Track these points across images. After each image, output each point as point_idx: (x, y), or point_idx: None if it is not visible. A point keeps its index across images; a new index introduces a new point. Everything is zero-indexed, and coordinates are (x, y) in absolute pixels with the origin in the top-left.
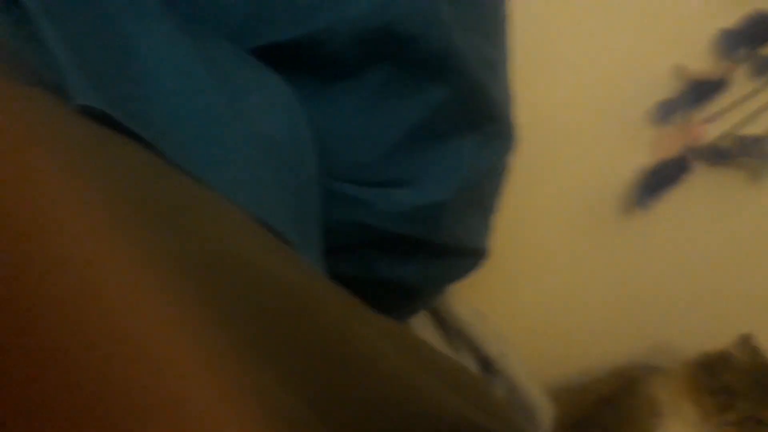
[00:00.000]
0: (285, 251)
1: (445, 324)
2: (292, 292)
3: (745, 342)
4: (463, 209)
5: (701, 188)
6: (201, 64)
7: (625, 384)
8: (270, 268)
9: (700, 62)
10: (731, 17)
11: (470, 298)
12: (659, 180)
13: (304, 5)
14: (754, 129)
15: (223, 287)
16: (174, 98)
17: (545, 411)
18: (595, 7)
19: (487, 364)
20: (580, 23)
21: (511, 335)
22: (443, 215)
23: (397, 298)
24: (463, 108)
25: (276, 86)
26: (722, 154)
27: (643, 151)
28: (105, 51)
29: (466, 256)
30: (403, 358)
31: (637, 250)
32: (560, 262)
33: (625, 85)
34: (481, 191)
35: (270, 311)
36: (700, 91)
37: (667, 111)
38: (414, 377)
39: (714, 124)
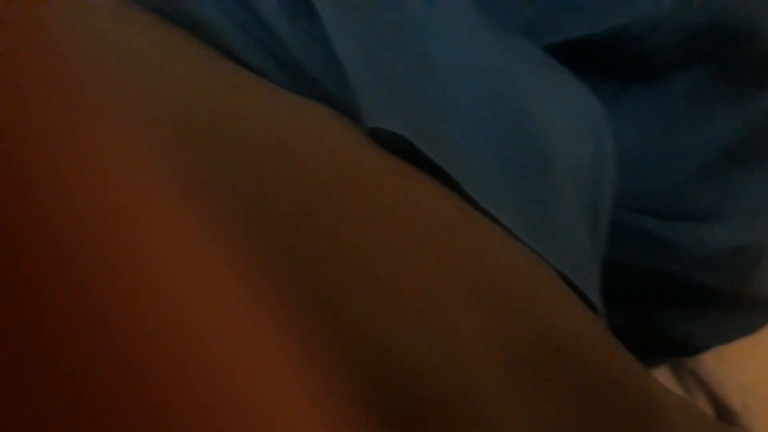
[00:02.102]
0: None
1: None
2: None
3: None
4: None
5: None
6: (508, 76)
7: None
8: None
9: None
10: None
11: None
12: None
13: None
14: None
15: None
16: (470, 120)
17: None
18: None
19: (726, 416)
20: None
21: (757, 383)
22: (758, 262)
23: (666, 353)
24: None
25: (582, 95)
26: None
27: None
28: (399, 57)
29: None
30: None
31: None
32: None
33: None
34: None
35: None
36: None
37: None
38: None
39: None
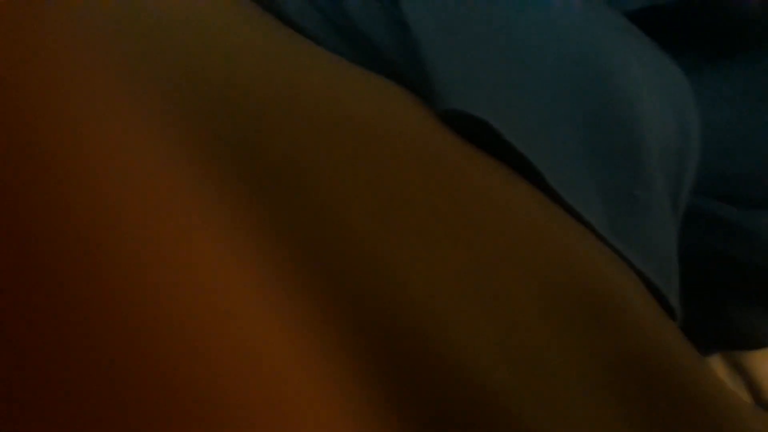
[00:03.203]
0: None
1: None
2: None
3: None
4: None
5: None
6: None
7: None
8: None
9: None
10: None
11: None
12: None
13: None
14: None
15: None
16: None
17: None
18: None
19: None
20: None
21: None
22: None
23: (726, 346)
24: None
25: (669, 70)
26: None
27: None
28: (477, 31)
29: None
30: None
31: None
32: None
33: None
34: None
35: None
36: None
37: None
38: None
39: None
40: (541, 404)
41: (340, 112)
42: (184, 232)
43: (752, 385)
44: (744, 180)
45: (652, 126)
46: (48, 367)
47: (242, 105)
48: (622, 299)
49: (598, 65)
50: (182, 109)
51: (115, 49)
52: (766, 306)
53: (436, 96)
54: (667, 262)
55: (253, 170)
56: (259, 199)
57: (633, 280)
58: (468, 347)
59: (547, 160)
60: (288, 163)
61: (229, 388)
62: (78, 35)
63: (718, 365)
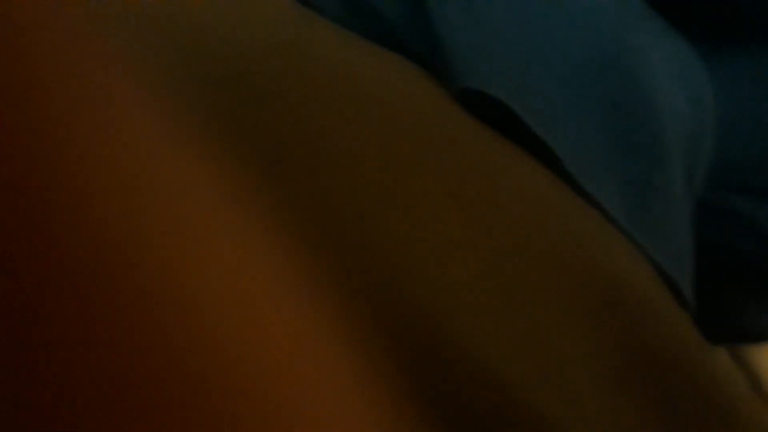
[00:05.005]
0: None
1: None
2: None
3: None
4: None
5: None
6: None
7: None
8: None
9: None
10: None
11: None
12: None
13: None
14: None
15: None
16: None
17: None
18: None
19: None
20: None
21: None
22: None
23: (730, 340)
24: None
25: (686, 56)
26: None
27: None
28: (495, 7)
29: None
30: None
31: None
32: None
33: None
34: None
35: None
36: None
37: None
38: None
39: None
40: (556, 394)
41: (355, 90)
42: (209, 228)
43: (753, 379)
44: (752, 169)
45: (670, 113)
46: (74, 368)
47: (254, 81)
48: (638, 289)
49: (618, 51)
50: (191, 85)
51: (127, 37)
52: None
53: (452, 74)
54: (682, 253)
55: (266, 148)
56: (272, 180)
57: (648, 269)
58: (481, 335)
59: (565, 145)
60: (300, 142)
61: (250, 385)
62: (93, 28)
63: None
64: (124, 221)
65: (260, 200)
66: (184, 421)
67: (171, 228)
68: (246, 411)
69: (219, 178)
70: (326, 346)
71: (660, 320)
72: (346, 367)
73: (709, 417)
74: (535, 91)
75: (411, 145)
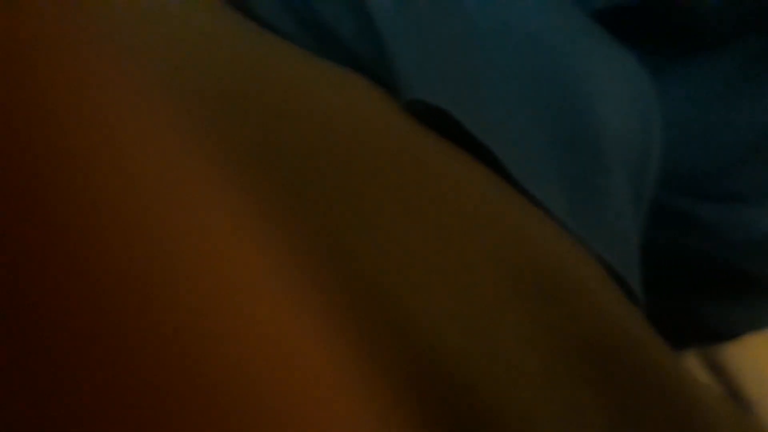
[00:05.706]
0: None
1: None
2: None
3: None
4: None
5: None
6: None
7: None
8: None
9: None
10: None
11: None
12: None
13: None
14: None
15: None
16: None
17: None
18: None
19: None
20: None
21: None
22: None
23: (695, 340)
24: None
25: (630, 67)
26: None
27: None
28: (440, 22)
29: None
30: None
31: None
32: None
33: None
34: None
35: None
36: None
37: None
38: None
39: None
40: (495, 377)
41: (306, 104)
42: (213, 230)
43: (725, 380)
44: (708, 176)
45: (612, 119)
46: (74, 368)
47: (206, 96)
48: (578, 280)
49: (560, 61)
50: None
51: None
52: (734, 298)
53: (400, 86)
54: (627, 249)
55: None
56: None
57: (592, 264)
58: (424, 314)
59: (507, 149)
60: (252, 156)
61: (249, 385)
62: (95, 29)
63: (692, 362)
64: (126, 221)
65: (254, 204)
66: (184, 421)
67: (171, 228)
68: (246, 411)
69: (218, 179)
70: (319, 349)
71: (602, 312)
72: (339, 369)
73: (660, 413)
74: (478, 100)
75: (367, 155)
